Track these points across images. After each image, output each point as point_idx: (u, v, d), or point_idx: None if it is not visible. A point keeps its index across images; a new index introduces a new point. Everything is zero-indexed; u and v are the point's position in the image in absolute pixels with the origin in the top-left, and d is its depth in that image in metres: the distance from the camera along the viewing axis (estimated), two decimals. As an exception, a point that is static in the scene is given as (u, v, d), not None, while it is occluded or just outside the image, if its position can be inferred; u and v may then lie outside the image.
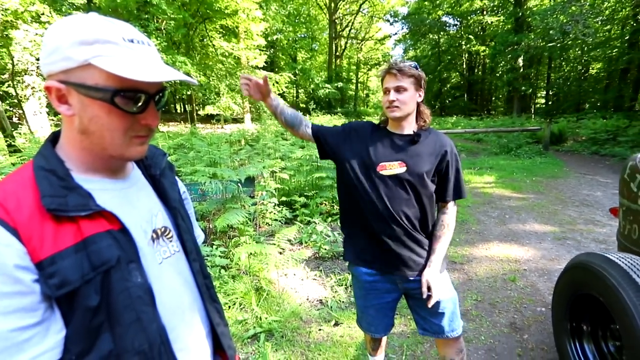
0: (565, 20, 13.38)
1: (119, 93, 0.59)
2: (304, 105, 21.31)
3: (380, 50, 37.99)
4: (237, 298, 2.77)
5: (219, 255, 3.21)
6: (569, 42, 17.56)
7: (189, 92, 17.70)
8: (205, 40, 18.70)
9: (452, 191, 1.55)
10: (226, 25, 18.44)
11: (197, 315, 0.77)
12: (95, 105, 0.59)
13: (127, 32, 0.61)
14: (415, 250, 1.51)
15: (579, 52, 20.93)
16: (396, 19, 31.96)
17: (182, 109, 30.03)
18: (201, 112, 21.41)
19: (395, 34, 35.34)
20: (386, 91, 1.46)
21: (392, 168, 1.46)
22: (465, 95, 31.29)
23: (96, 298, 0.57)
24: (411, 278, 1.52)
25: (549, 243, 4.03)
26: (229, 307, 2.71)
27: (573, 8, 13.00)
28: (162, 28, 14.84)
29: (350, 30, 34.32)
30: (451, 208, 1.57)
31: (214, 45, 18.02)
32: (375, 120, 1.68)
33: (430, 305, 1.45)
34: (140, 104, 0.62)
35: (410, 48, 34.96)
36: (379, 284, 1.58)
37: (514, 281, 3.20)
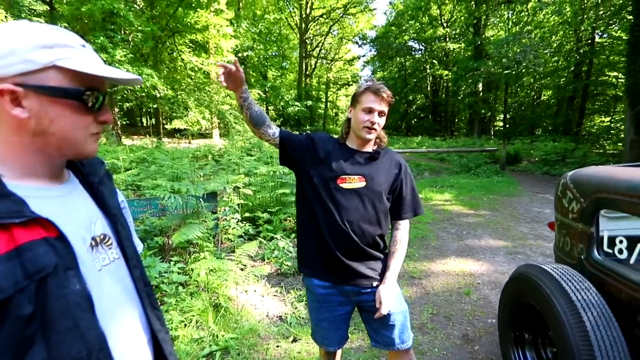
0: (517, 50, 14.42)
1: (86, 92, 0.64)
2: (277, 122, 21.39)
3: (349, 71, 39.06)
4: (193, 315, 2.70)
5: (177, 272, 3.13)
6: (523, 71, 18.88)
7: (155, 105, 17.31)
8: (174, 54, 18.52)
9: (408, 208, 1.61)
10: (196, 40, 18.37)
11: (138, 322, 0.77)
12: (58, 106, 0.62)
13: (77, 37, 0.66)
14: (367, 264, 1.55)
15: (532, 79, 22.56)
16: (364, 41, 33.18)
17: (148, 123, 29.26)
18: (168, 126, 20.93)
19: (364, 55, 36.57)
20: (370, 110, 1.46)
21: (352, 182, 1.50)
22: (430, 117, 32.64)
23: (30, 307, 0.55)
24: (363, 290, 1.56)
25: (501, 257, 4.23)
26: (185, 325, 2.63)
27: (524, 40, 14.06)
28: (129, 40, 14.58)
29: (320, 51, 35.15)
30: (404, 225, 1.62)
31: (182, 60, 17.86)
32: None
33: (376, 317, 1.49)
34: (99, 102, 0.67)
35: (379, 69, 36.19)
36: (332, 297, 1.60)
37: (468, 294, 3.33)
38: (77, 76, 0.62)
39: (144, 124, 29.57)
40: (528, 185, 9.42)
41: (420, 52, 31.69)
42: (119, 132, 14.99)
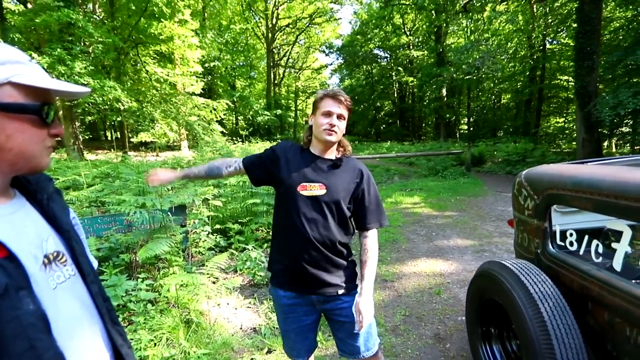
0: (476, 57, 15.13)
1: (43, 106, 0.65)
2: (244, 132, 21.21)
3: (317, 79, 39.51)
4: (163, 333, 2.61)
5: (145, 289, 3.03)
6: (482, 76, 19.81)
7: (119, 118, 16.74)
8: (138, 65, 18.04)
9: (373, 218, 1.59)
10: (161, 50, 17.99)
11: (99, 338, 0.76)
12: (16, 122, 0.63)
13: (22, 53, 0.67)
14: (332, 271, 1.54)
15: (492, 84, 23.69)
16: (331, 50, 33.72)
17: (113, 136, 28.25)
18: (134, 140, 20.28)
19: (331, 64, 37.14)
20: (328, 114, 1.48)
21: (313, 189, 1.49)
22: (398, 122, 33.43)
23: None
24: (329, 299, 1.55)
25: (469, 256, 4.38)
26: (155, 344, 2.54)
27: (482, 47, 14.77)
28: (90, 51, 14.07)
29: (288, 60, 35.39)
30: (372, 234, 1.60)
31: (147, 71, 17.42)
32: None
33: (357, 330, 1.50)
34: (52, 115, 0.68)
35: (346, 77, 36.79)
36: (298, 307, 1.59)
37: (439, 294, 3.42)
38: (31, 91, 0.64)
39: (108, 138, 28.55)
40: (492, 185, 9.82)
41: (385, 59, 32.53)
42: (81, 146, 14.36)
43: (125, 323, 2.73)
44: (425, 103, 27.46)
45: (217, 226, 4.56)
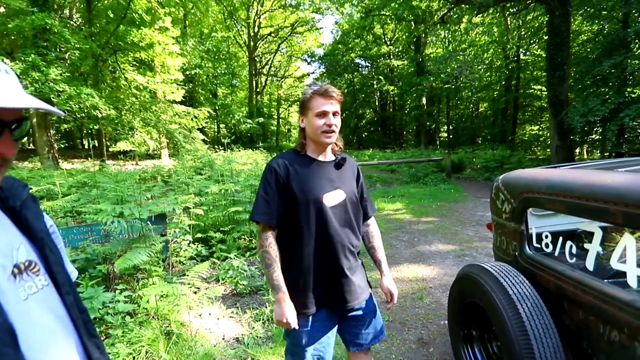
0: (455, 67, 15.56)
1: None
2: (226, 140, 21.02)
3: (299, 88, 39.61)
4: (143, 346, 2.53)
5: (124, 301, 2.94)
6: (460, 85, 20.37)
7: (96, 127, 16.32)
8: (116, 72, 17.69)
9: (370, 205, 1.70)
10: (140, 58, 17.72)
11: (74, 352, 0.72)
12: None
13: None
14: (360, 276, 1.56)
15: (470, 93, 24.37)
16: (313, 59, 33.90)
17: (90, 145, 27.51)
18: (113, 148, 19.82)
19: (313, 72, 37.34)
20: (323, 114, 1.40)
21: (335, 198, 1.46)
22: (380, 130, 33.84)
23: None
24: (356, 306, 1.55)
25: (451, 260, 4.45)
26: (134, 357, 2.46)
27: (460, 57, 15.22)
28: (66, 57, 13.71)
29: (270, 68, 35.45)
30: (373, 220, 1.73)
31: (126, 78, 17.09)
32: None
33: (388, 307, 1.65)
34: None
35: (328, 86, 37.03)
36: (329, 324, 1.53)
37: (422, 299, 3.46)
38: None
39: (85, 147, 27.76)
40: (472, 191, 10.03)
41: (367, 68, 32.99)
42: (56, 155, 13.89)
43: (102, 336, 2.64)
44: (406, 111, 27.95)
45: (199, 235, 4.49)
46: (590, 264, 1.51)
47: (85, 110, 13.25)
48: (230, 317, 3.14)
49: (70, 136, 26.93)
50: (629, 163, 2.22)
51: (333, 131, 1.41)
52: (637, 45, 10.60)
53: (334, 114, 1.42)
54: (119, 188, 4.85)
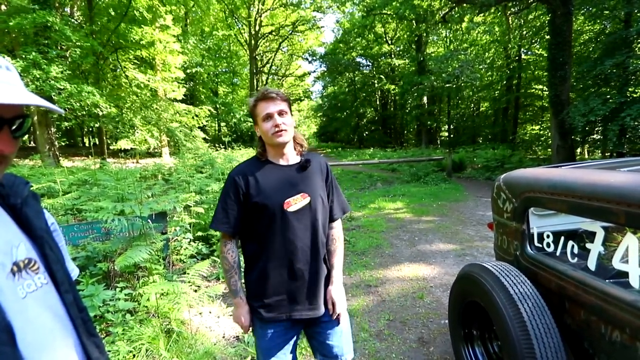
0: (456, 66, 15.53)
1: None
2: (227, 139, 21.02)
3: (301, 87, 39.63)
4: (143, 344, 2.54)
5: (124, 299, 2.94)
6: (462, 84, 20.33)
7: (97, 125, 16.32)
8: (117, 70, 17.69)
9: (338, 208, 1.61)
10: (141, 56, 17.71)
11: (72, 351, 0.72)
12: None
13: None
14: (324, 281, 1.53)
15: (470, 92, 24.33)
16: (314, 57, 33.88)
17: (91, 143, 27.53)
18: (114, 146, 19.83)
19: (314, 71, 37.28)
20: (268, 117, 1.40)
21: (297, 202, 1.43)
22: (381, 129, 33.82)
23: None
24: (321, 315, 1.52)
25: (451, 260, 4.45)
26: (134, 355, 2.47)
27: (461, 56, 15.18)
28: (67, 55, 13.71)
29: (271, 67, 35.38)
30: (337, 224, 1.62)
31: (127, 76, 17.09)
32: None
33: (334, 318, 1.51)
34: None
35: (329, 85, 37.06)
36: (290, 332, 1.53)
37: (422, 298, 3.45)
38: None
39: (86, 145, 27.80)
40: (473, 191, 10.02)
41: (368, 67, 32.94)
42: (57, 153, 13.91)
43: (103, 334, 2.64)
44: (407, 110, 27.90)
45: (199, 233, 4.49)
46: (592, 263, 1.51)
47: (86, 108, 13.24)
48: (231, 315, 3.14)
49: (71, 134, 26.95)
50: (631, 163, 2.21)
51: (283, 130, 1.40)
52: (639, 45, 10.57)
53: (280, 113, 1.41)
54: (120, 186, 4.84)
